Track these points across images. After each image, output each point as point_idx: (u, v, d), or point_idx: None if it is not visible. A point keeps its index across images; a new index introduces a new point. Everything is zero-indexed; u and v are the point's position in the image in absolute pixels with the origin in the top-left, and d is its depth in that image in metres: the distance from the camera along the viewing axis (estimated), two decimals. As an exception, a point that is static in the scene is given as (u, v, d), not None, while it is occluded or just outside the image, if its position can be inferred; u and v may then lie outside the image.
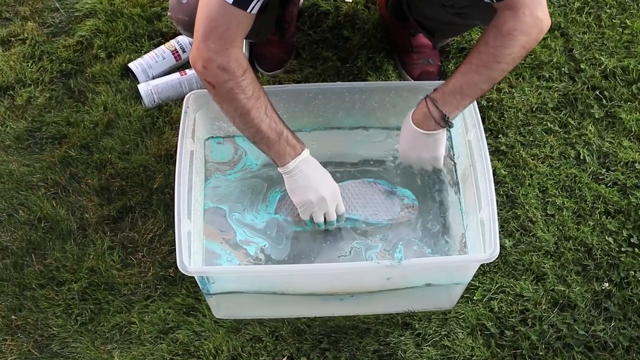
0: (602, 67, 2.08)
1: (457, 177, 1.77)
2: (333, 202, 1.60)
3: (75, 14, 2.22)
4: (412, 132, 1.55)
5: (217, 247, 1.69)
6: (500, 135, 1.97)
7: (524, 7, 1.38)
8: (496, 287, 1.75)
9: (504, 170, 1.91)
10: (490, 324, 1.70)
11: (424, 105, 1.52)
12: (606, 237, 1.81)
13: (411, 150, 1.59)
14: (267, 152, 1.54)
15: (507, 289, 1.75)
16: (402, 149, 1.61)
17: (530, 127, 1.99)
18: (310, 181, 1.56)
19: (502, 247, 1.77)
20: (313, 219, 1.62)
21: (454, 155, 1.80)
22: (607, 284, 1.75)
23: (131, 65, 2.08)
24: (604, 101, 2.03)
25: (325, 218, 1.63)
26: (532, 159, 1.93)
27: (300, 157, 1.54)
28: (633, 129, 1.98)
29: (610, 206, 1.86)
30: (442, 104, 1.49)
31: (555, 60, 2.10)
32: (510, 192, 1.88)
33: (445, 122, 1.51)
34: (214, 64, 1.40)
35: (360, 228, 1.70)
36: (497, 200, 1.54)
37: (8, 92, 2.08)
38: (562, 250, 1.80)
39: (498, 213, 1.58)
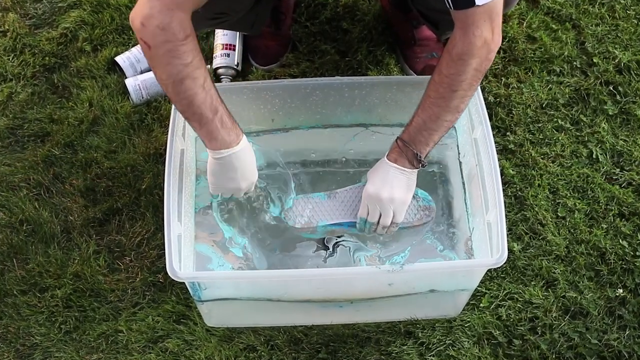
0: (616, 61, 2.08)
1: (462, 177, 1.77)
2: (243, 192, 1.62)
3: (59, 5, 2.22)
4: (388, 169, 1.57)
5: (209, 249, 1.69)
6: (508, 133, 1.97)
7: (474, 27, 1.41)
8: (504, 293, 1.75)
9: (512, 170, 1.91)
10: (497, 332, 1.70)
11: (396, 146, 1.57)
12: (620, 240, 1.82)
13: (384, 189, 1.57)
14: (198, 131, 1.49)
15: (516, 296, 1.75)
16: (372, 188, 1.59)
17: (540, 125, 1.99)
18: (236, 173, 1.55)
19: (510, 251, 1.77)
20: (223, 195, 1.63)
21: (459, 154, 1.80)
22: (621, 290, 1.75)
23: (118, 59, 2.08)
24: (618, 97, 2.03)
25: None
26: (542, 158, 1.93)
27: (234, 149, 1.50)
28: (649, 127, 1.99)
29: (624, 208, 1.86)
30: (412, 143, 1.54)
31: (566, 53, 2.10)
32: (519, 193, 1.88)
33: (417, 162, 1.55)
34: (154, 22, 1.36)
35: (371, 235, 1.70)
36: (505, 202, 1.54)
37: (-12, 88, 2.09)
38: (573, 254, 1.80)
39: (506, 215, 1.59)
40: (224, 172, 1.55)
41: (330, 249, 1.69)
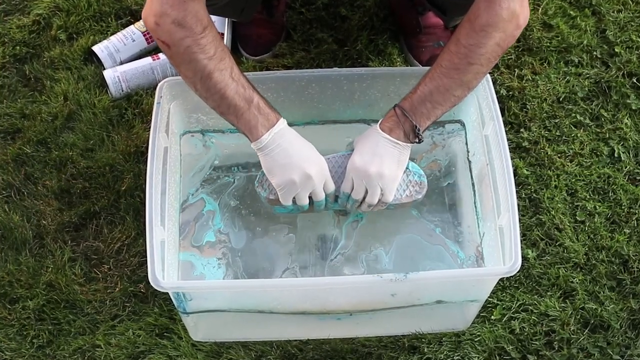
0: (640, 50, 2.09)
1: (472, 178, 1.77)
2: (320, 180, 1.55)
3: (31, -11, 2.22)
4: (380, 140, 1.54)
5: (192, 256, 1.71)
6: (522, 130, 1.97)
7: None
8: (517, 304, 1.75)
9: (527, 170, 1.91)
10: (510, 347, 1.71)
11: (393, 114, 1.54)
12: (644, 247, 1.82)
13: (372, 162, 1.54)
14: (236, 124, 1.50)
15: (530, 307, 1.75)
16: (360, 160, 1.55)
17: (556, 120, 1.99)
18: (292, 157, 1.52)
19: (524, 258, 1.77)
20: (296, 201, 1.57)
21: (468, 152, 1.80)
22: (645, 301, 1.76)
23: (95, 48, 2.08)
24: (642, 90, 2.04)
25: (311, 199, 1.58)
26: (558, 157, 1.94)
27: (275, 128, 1.50)
28: (675, 122, 1.99)
29: (649, 211, 1.87)
30: (413, 114, 1.51)
31: (585, 42, 2.10)
32: (534, 195, 1.88)
33: (414, 135, 1.52)
34: (168, 19, 1.39)
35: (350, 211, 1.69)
36: (518, 205, 1.54)
37: (-47, 80, 2.09)
38: (593, 262, 1.80)
39: (520, 219, 1.59)
40: (277, 161, 1.52)
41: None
